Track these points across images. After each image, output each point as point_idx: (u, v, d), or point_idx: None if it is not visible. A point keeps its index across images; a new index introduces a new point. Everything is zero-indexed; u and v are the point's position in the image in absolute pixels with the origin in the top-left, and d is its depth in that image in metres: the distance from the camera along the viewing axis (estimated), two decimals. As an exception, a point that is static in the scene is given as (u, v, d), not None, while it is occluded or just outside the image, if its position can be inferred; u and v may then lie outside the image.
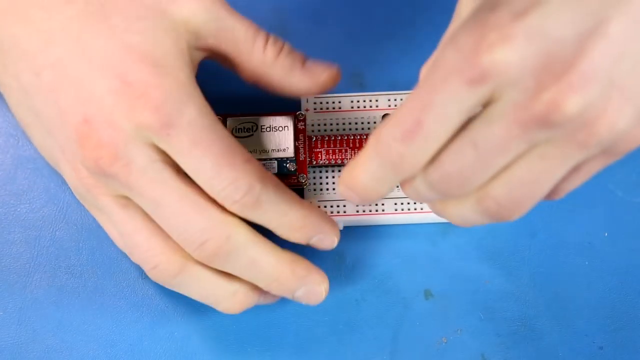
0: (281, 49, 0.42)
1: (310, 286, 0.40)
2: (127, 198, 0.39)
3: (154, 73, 0.38)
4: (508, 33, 0.31)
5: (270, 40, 0.42)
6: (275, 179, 0.40)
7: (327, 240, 0.41)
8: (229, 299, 0.40)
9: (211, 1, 0.40)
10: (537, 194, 0.34)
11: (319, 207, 0.44)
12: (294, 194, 0.40)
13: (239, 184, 0.38)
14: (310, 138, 0.45)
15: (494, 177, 0.34)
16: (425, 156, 0.34)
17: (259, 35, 0.41)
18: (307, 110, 0.46)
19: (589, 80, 0.31)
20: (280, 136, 0.44)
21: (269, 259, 0.39)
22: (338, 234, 0.41)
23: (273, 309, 0.43)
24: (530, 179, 0.34)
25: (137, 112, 0.37)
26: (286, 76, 0.42)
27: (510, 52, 0.31)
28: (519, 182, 0.34)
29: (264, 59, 0.42)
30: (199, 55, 0.41)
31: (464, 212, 0.36)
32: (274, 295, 0.42)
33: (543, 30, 0.31)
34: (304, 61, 0.42)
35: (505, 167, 0.34)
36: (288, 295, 0.41)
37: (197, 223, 0.38)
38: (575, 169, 0.35)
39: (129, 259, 0.44)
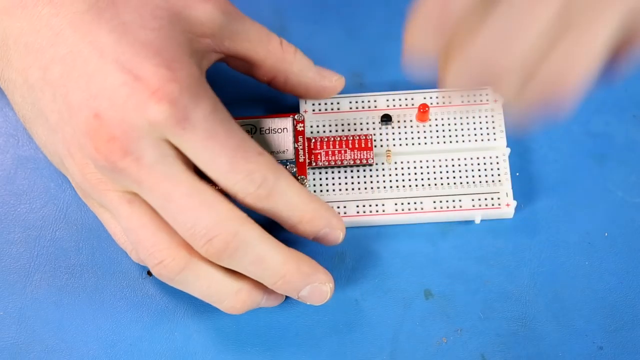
0: (295, 49, 0.43)
1: (315, 285, 0.41)
2: (133, 194, 0.39)
3: (169, 68, 0.38)
4: None
5: (284, 41, 0.43)
6: (287, 172, 0.40)
7: (333, 234, 0.41)
8: (232, 297, 0.40)
9: (224, 5, 0.41)
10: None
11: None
12: (304, 188, 0.41)
13: (254, 176, 0.38)
14: (309, 140, 0.45)
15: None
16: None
17: (273, 36, 0.43)
18: (305, 111, 0.46)
19: None
20: (280, 138, 0.44)
21: (276, 256, 0.39)
22: (344, 229, 0.42)
23: (273, 309, 0.43)
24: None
25: (150, 107, 0.37)
26: (304, 72, 0.44)
27: None
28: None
29: (284, 56, 0.43)
30: (215, 57, 0.42)
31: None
32: (276, 297, 0.42)
33: None
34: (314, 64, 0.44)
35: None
36: (293, 295, 0.41)
37: (206, 218, 0.38)
38: None
39: (129, 258, 0.44)
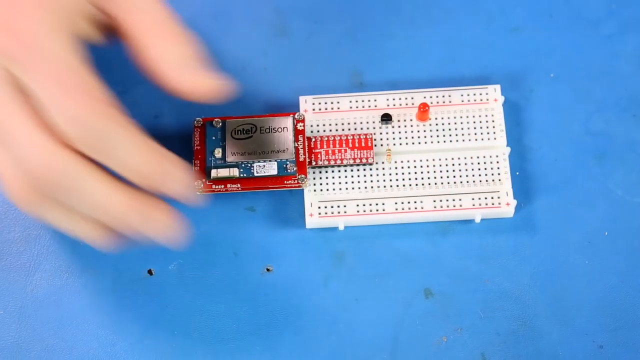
0: (179, 34, 0.40)
1: (154, 220, 0.39)
2: None
3: (32, 6, 0.38)
4: None
5: (176, 25, 0.40)
6: (128, 121, 0.38)
7: (176, 186, 0.39)
8: (79, 229, 0.40)
9: None
10: None
11: (319, 207, 0.44)
12: (146, 139, 0.38)
13: (82, 120, 0.37)
14: (309, 139, 0.45)
15: None
16: None
17: (161, 12, 0.40)
18: (305, 111, 0.46)
19: None
20: (280, 137, 0.44)
21: (106, 192, 0.38)
22: (189, 181, 0.39)
23: (273, 309, 0.43)
24: None
25: None
26: (175, 62, 0.40)
27: None
28: None
29: (162, 40, 0.40)
30: (94, 18, 0.40)
31: None
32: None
33: None
34: (202, 63, 0.40)
35: None
36: (134, 231, 0.39)
37: (37, 155, 0.37)
38: None
39: (129, 258, 0.44)
